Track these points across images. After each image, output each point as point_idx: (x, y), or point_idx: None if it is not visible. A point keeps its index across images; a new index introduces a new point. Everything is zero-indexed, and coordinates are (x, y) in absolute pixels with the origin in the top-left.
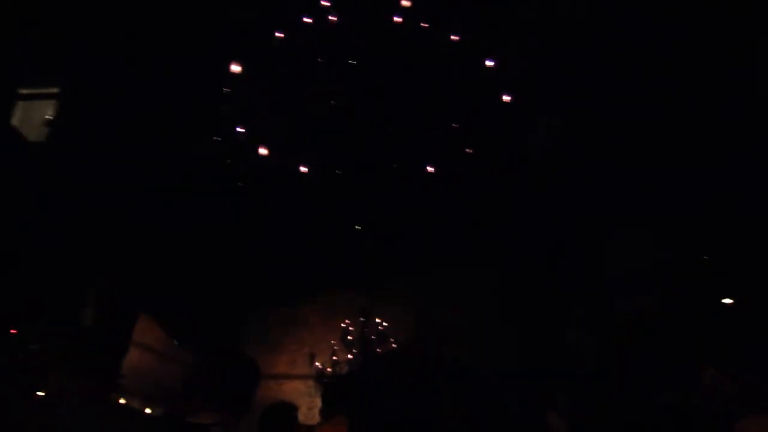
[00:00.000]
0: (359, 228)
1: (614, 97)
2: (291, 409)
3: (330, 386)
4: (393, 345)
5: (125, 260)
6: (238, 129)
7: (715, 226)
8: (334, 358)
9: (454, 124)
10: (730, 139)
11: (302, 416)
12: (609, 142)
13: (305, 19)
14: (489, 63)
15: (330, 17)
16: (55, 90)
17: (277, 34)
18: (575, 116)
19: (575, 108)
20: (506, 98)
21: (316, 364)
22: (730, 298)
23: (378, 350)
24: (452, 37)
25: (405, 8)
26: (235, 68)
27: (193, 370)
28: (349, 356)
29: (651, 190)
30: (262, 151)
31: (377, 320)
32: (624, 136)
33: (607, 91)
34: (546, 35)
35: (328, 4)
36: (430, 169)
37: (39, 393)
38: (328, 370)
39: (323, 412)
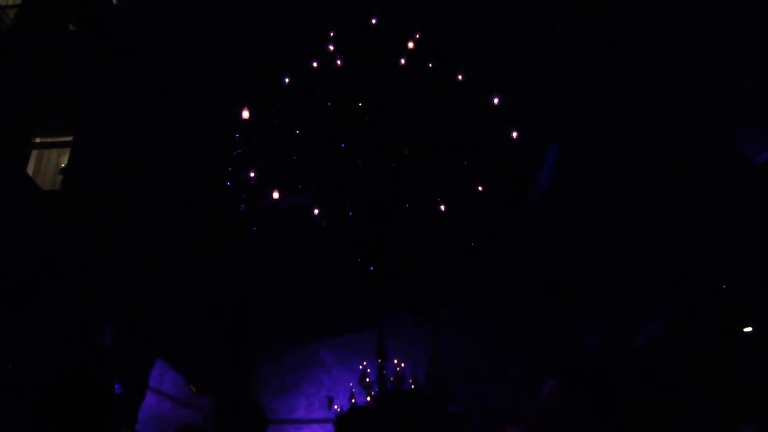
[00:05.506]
0: (372, 268)
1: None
2: None
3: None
4: (412, 386)
5: (140, 307)
6: (250, 174)
7: (733, 249)
8: (353, 401)
9: (464, 162)
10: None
11: None
12: (616, 171)
13: (314, 64)
14: (496, 100)
15: (337, 61)
16: (68, 139)
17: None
18: (580, 150)
19: (579, 142)
20: (514, 135)
21: (335, 407)
22: (751, 326)
23: (396, 391)
24: (458, 77)
25: (410, 50)
26: (245, 114)
27: (211, 416)
28: (368, 399)
29: (666, 215)
30: (275, 194)
31: (395, 361)
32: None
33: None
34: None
35: (334, 47)
36: (442, 207)
37: None
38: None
39: None
